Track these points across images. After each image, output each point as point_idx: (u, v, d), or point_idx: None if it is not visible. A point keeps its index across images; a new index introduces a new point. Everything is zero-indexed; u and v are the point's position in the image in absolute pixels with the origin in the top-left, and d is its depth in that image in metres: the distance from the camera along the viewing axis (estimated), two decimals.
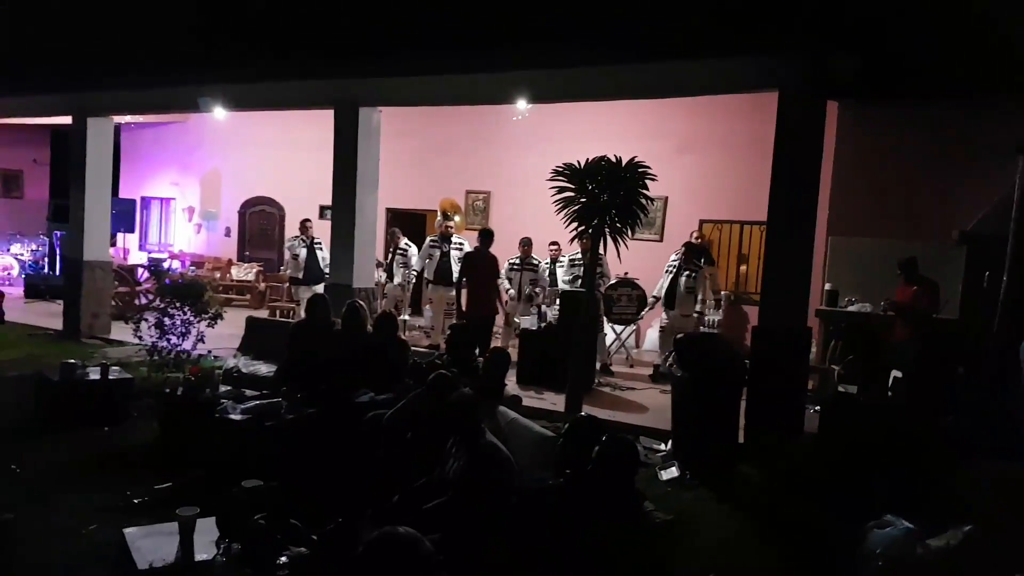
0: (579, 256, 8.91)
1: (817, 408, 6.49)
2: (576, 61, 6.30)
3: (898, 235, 7.80)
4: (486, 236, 8.28)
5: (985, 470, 4.30)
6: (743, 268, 10.28)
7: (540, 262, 9.29)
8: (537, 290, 9.09)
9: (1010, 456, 4.31)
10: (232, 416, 4.88)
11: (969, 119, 7.47)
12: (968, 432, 4.77)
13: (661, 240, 10.30)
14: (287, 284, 12.55)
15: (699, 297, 8.43)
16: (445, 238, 9.58)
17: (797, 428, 5.79)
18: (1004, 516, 4.02)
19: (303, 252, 9.88)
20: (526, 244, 9.10)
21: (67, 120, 10.03)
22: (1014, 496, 4.17)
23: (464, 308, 8.19)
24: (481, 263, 8.26)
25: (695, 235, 9.19)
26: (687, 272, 8.42)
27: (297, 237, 10.08)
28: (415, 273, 10.13)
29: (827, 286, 8.15)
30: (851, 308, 7.92)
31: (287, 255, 10.23)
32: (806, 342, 6.17)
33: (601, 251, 6.45)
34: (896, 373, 6.25)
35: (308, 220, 10.26)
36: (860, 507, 4.28)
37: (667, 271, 8.66)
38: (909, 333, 6.90)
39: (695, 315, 8.44)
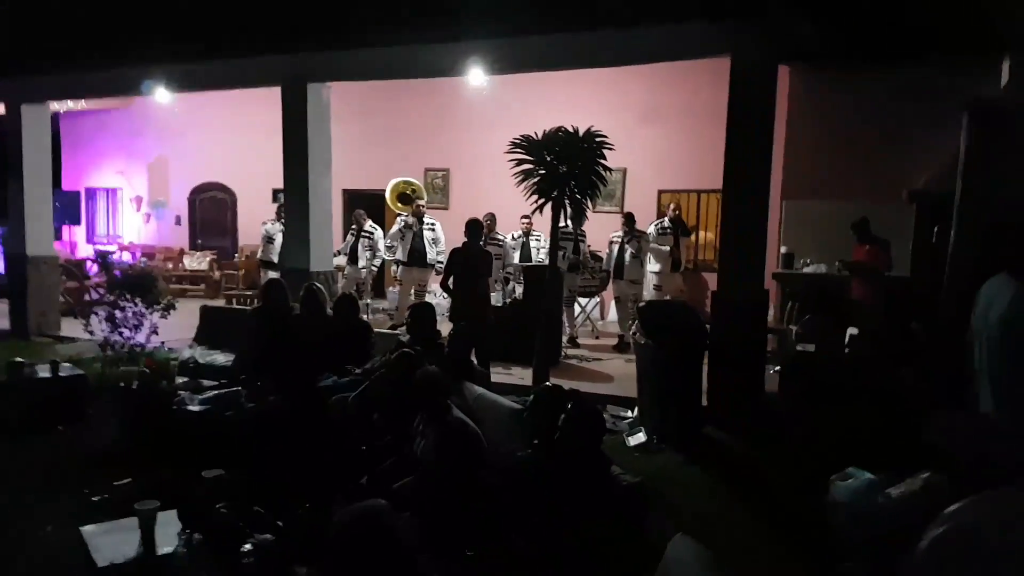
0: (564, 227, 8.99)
1: (777, 368, 6.62)
2: (526, 29, 6.21)
3: (851, 196, 7.94)
4: (474, 228, 6.95)
5: (943, 419, 4.42)
6: (703, 235, 10.38)
7: (505, 238, 9.25)
8: (510, 270, 9.08)
9: (965, 404, 4.44)
10: (191, 407, 4.76)
11: (918, 80, 7.59)
12: (925, 383, 4.90)
13: (621, 212, 10.34)
14: (241, 271, 12.33)
15: (647, 264, 8.70)
16: (418, 217, 9.50)
17: (758, 388, 5.90)
18: (961, 462, 4.15)
19: (279, 236, 9.60)
20: (488, 220, 9.04)
21: None
22: (971, 442, 4.29)
23: (456, 311, 6.68)
24: (471, 260, 6.90)
25: (673, 207, 9.16)
26: (630, 240, 8.53)
27: (273, 220, 9.85)
28: (382, 257, 10.01)
29: (783, 249, 8.29)
30: (807, 270, 8.07)
31: (262, 237, 9.95)
32: (764, 305, 6.26)
33: (582, 228, 6.49)
34: (852, 330, 6.38)
35: (283, 204, 10.04)
36: (824, 461, 4.37)
37: (612, 242, 8.76)
38: (865, 291, 7.05)
39: (643, 282, 8.74)
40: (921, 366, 5.26)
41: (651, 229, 8.98)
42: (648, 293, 8.90)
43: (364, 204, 10.88)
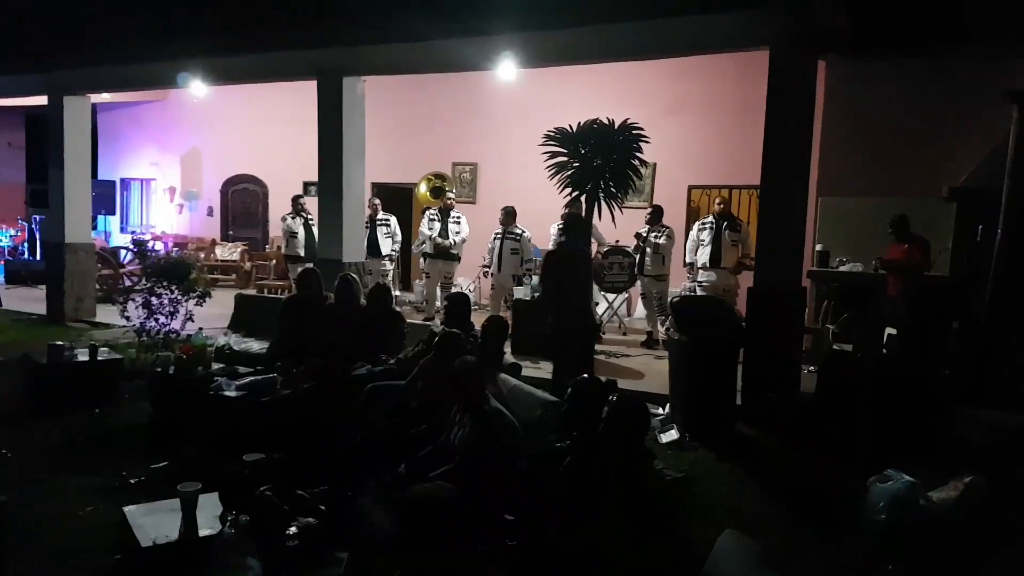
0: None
1: (812, 368, 6.52)
2: (560, 22, 6.18)
3: (888, 193, 7.79)
4: (574, 226, 5.78)
5: (983, 420, 4.33)
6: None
7: (523, 232, 9.21)
8: (528, 267, 9.05)
9: (1007, 405, 4.34)
10: (227, 393, 4.81)
11: (957, 71, 7.44)
12: (966, 384, 4.80)
13: (650, 206, 10.27)
14: (272, 262, 12.44)
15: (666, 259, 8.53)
16: (444, 211, 9.53)
17: (793, 387, 5.82)
18: (1002, 464, 4.06)
19: (301, 231, 9.69)
20: (508, 213, 9.02)
21: (42, 101, 9.77)
22: (1011, 444, 4.19)
23: (554, 326, 5.74)
24: (568, 264, 5.66)
25: (719, 201, 8.88)
26: (654, 234, 8.43)
27: (291, 214, 9.83)
28: (399, 245, 10.05)
29: (818, 247, 8.16)
30: (842, 268, 7.94)
31: (283, 233, 9.94)
32: (801, 302, 6.17)
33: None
34: (890, 330, 6.27)
35: (301, 196, 10.06)
36: (861, 462, 4.30)
37: (636, 237, 8.68)
38: (902, 290, 6.92)
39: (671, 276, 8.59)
40: (961, 366, 5.16)
41: (695, 227, 8.78)
42: (680, 290, 8.79)
43: (392, 198, 10.91)
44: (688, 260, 8.60)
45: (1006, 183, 4.95)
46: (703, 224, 8.52)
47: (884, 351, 6.20)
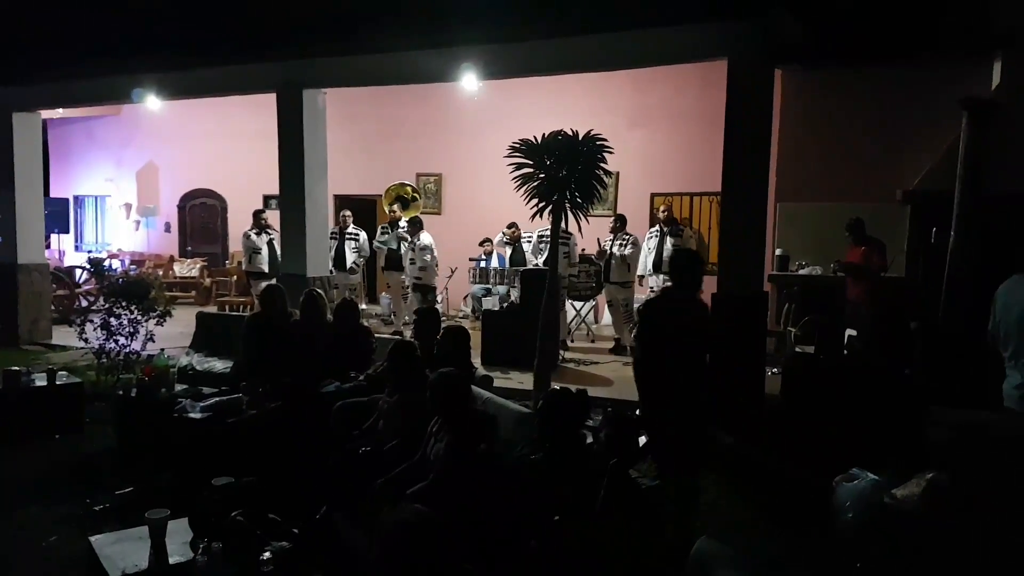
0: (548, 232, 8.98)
1: (776, 370, 6.65)
2: (520, 35, 6.23)
3: (844, 198, 8.00)
4: (683, 269, 4.07)
5: (945, 418, 4.45)
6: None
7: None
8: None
9: (968, 403, 4.47)
10: (192, 415, 4.71)
11: (910, 80, 7.69)
12: (926, 383, 4.94)
13: (614, 215, 10.38)
14: (233, 278, 12.23)
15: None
16: (393, 224, 9.68)
17: (758, 390, 5.92)
18: (966, 461, 4.18)
19: (265, 247, 9.43)
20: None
21: None
22: (974, 441, 4.31)
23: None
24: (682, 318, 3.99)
25: (663, 209, 9.07)
26: (619, 243, 8.56)
27: (254, 230, 9.52)
28: (364, 259, 10.04)
29: (778, 251, 8.33)
30: (802, 272, 8.12)
31: (244, 249, 9.70)
32: (763, 306, 6.29)
33: (571, 229, 6.45)
34: (850, 331, 6.42)
35: (263, 211, 9.86)
36: (828, 462, 4.39)
37: (598, 244, 8.81)
38: (860, 292, 7.10)
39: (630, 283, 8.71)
40: (920, 365, 5.30)
41: (645, 237, 8.96)
42: (645, 296, 8.90)
43: (355, 210, 10.84)
44: (639, 272, 8.75)
45: (957, 187, 5.12)
46: (650, 233, 8.76)
47: (844, 352, 6.35)
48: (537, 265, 8.77)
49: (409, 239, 9.44)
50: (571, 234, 8.29)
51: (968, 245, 4.87)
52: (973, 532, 3.39)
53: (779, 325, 7.86)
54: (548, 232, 8.92)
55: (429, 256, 9.37)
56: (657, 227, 8.78)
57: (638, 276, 8.81)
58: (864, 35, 5.93)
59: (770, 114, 5.85)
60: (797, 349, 6.73)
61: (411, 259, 9.42)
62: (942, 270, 5.17)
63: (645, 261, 8.71)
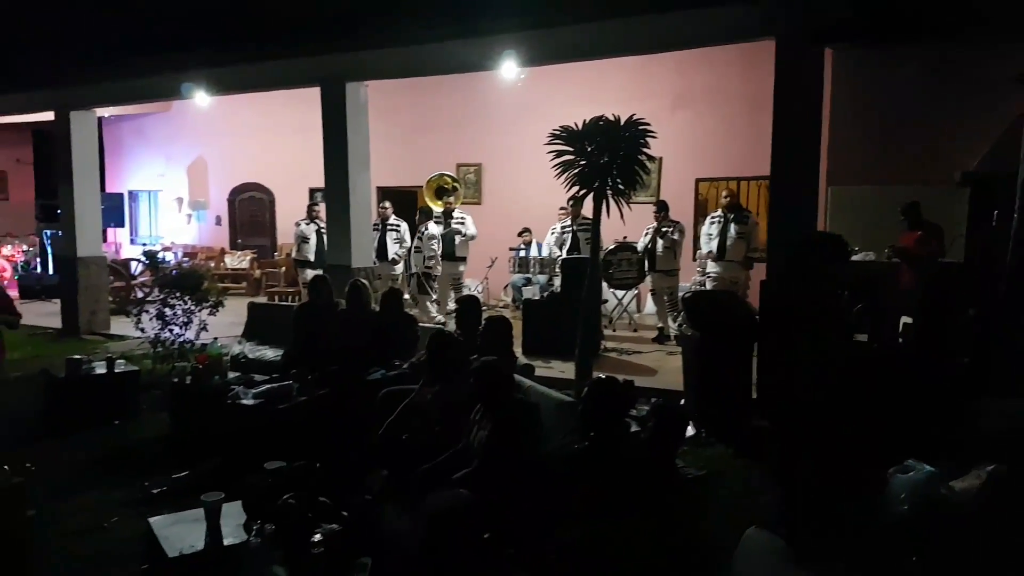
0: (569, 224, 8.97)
1: None
2: (563, 18, 6.17)
3: (898, 181, 7.74)
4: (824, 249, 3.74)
5: (1004, 409, 4.30)
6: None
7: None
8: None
9: None
10: (244, 401, 4.83)
11: (965, 57, 7.37)
12: (985, 372, 4.77)
13: (656, 201, 10.26)
14: (282, 269, 12.49)
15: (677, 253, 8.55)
16: (447, 214, 9.60)
17: (809, 379, 5.78)
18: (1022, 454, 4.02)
19: (313, 236, 9.74)
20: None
21: (49, 117, 9.85)
22: None
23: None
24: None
25: (726, 194, 8.81)
26: (665, 230, 8.41)
27: (305, 220, 9.88)
28: (406, 249, 10.10)
29: None
30: (855, 258, 7.89)
31: (295, 237, 10.01)
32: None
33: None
34: (906, 319, 6.23)
35: (316, 203, 10.07)
36: (880, 453, 4.27)
37: (645, 233, 8.66)
38: (915, 279, 6.87)
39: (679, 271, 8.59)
40: (978, 354, 5.11)
41: (706, 221, 8.78)
42: (690, 285, 8.80)
43: (396, 201, 10.92)
44: (705, 251, 8.56)
45: (1021, 167, 4.89)
46: (712, 218, 8.52)
47: (900, 340, 6.17)
48: (559, 257, 8.77)
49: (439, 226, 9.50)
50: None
51: None
52: None
53: None
54: (569, 224, 8.96)
55: (436, 245, 9.50)
56: (720, 213, 8.49)
57: (705, 255, 8.59)
58: (916, 10, 5.71)
59: (820, 95, 5.70)
60: None
61: (416, 247, 9.57)
62: (1003, 255, 4.96)
63: (709, 247, 8.46)
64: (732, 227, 8.19)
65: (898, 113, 7.94)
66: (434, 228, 9.57)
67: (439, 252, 9.54)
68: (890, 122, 7.99)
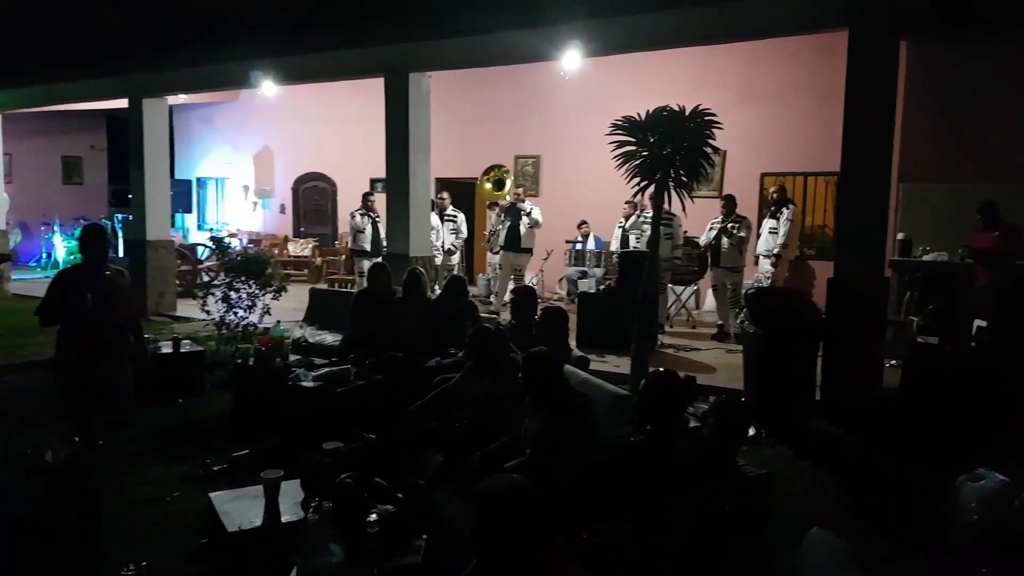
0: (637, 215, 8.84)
1: (895, 362, 6.25)
2: (631, 7, 6.07)
3: (974, 179, 7.39)
4: None
5: None
6: (808, 220, 9.89)
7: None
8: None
9: None
10: (305, 383, 4.94)
11: None
12: None
13: (720, 196, 10.04)
14: (342, 257, 12.73)
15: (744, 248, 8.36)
16: (513, 206, 9.62)
17: (876, 382, 5.59)
18: None
19: (369, 227, 9.88)
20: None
21: (123, 104, 10.23)
22: None
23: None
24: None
25: (773, 191, 8.71)
26: (731, 225, 8.20)
27: (360, 211, 10.00)
28: (462, 240, 10.15)
29: (900, 236, 7.80)
30: (926, 258, 7.59)
31: (351, 229, 10.19)
32: (883, 294, 5.92)
33: (674, 211, 6.28)
34: (979, 322, 5.96)
35: (371, 194, 10.23)
36: (949, 460, 4.09)
37: (710, 228, 8.47)
38: (991, 280, 6.56)
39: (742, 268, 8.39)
40: None
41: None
42: (752, 282, 8.58)
43: (453, 192, 10.99)
44: (759, 251, 8.41)
45: None
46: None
47: (972, 344, 5.90)
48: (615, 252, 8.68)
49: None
50: (674, 215, 8.05)
51: None
52: None
53: (900, 314, 7.38)
54: (629, 221, 8.85)
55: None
56: (772, 209, 8.44)
57: (775, 255, 8.41)
58: (995, 1, 5.42)
59: (894, 88, 5.48)
60: (919, 340, 6.32)
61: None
62: None
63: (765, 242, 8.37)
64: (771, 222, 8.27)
65: (975, 108, 7.56)
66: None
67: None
68: (966, 118, 7.61)
